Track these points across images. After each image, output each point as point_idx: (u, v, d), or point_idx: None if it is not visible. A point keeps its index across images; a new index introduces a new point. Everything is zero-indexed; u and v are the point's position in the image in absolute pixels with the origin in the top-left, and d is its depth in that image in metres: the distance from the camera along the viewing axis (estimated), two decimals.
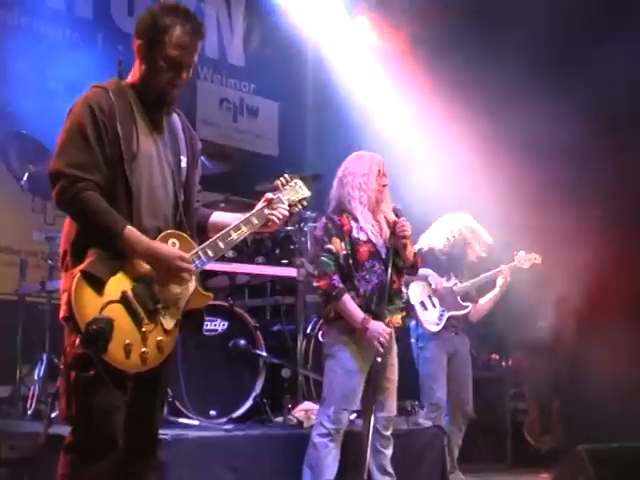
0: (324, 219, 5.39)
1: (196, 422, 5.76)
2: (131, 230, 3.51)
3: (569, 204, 7.86)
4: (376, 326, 5.12)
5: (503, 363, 9.14)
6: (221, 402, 6.02)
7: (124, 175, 3.56)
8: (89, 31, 8.70)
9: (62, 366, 3.63)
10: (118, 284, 3.49)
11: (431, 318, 6.98)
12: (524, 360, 9.29)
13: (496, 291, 7.06)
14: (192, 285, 3.70)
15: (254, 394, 6.12)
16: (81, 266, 3.43)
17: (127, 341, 3.45)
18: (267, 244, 6.72)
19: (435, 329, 6.94)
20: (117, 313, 3.44)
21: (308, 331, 6.65)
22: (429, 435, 6.22)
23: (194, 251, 3.68)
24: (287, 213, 3.94)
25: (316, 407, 6.14)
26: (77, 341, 3.37)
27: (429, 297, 7.03)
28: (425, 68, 9.30)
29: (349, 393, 5.20)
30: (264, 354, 6.15)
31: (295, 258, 6.65)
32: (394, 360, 5.42)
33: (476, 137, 8.29)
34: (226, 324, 6.13)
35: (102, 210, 3.49)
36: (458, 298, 6.97)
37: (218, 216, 4.00)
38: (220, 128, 9.86)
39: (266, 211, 3.89)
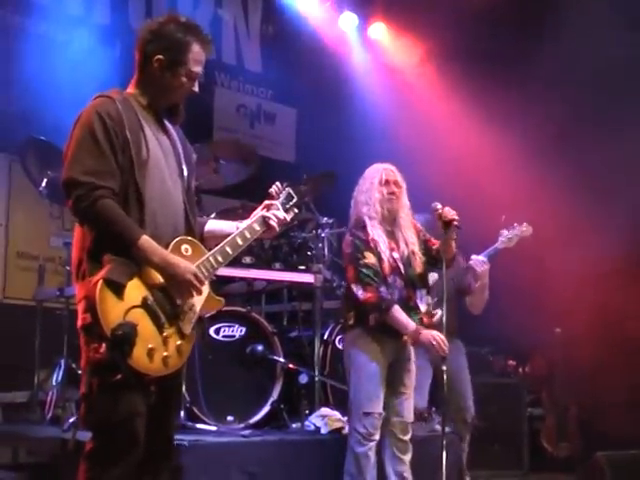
0: (349, 236, 5.41)
1: (213, 428, 5.76)
2: (146, 240, 3.55)
3: None
4: (427, 333, 5.22)
5: (520, 369, 9.11)
6: (238, 408, 6.02)
7: (135, 181, 3.61)
8: (107, 37, 8.72)
9: (83, 373, 3.64)
10: (138, 289, 3.54)
11: None
12: (541, 366, 9.25)
13: (482, 281, 6.67)
14: (206, 290, 3.77)
15: (271, 400, 6.12)
16: (101, 273, 3.45)
17: (150, 345, 3.51)
18: (284, 250, 6.73)
19: None
20: (139, 318, 3.49)
21: (325, 337, 6.64)
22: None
23: (205, 257, 3.76)
24: (284, 218, 4.06)
25: (333, 413, 6.17)
26: (103, 347, 3.40)
27: None
28: (445, 75, 9.37)
29: (373, 397, 5.22)
30: (281, 360, 6.15)
31: (312, 264, 6.66)
32: (412, 367, 5.43)
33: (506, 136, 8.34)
34: (244, 330, 6.14)
35: (118, 219, 3.52)
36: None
37: (213, 224, 4.11)
38: (237, 134, 9.87)
39: (266, 218, 4.01)
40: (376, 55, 10.29)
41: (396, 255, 5.33)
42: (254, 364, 6.12)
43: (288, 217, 4.11)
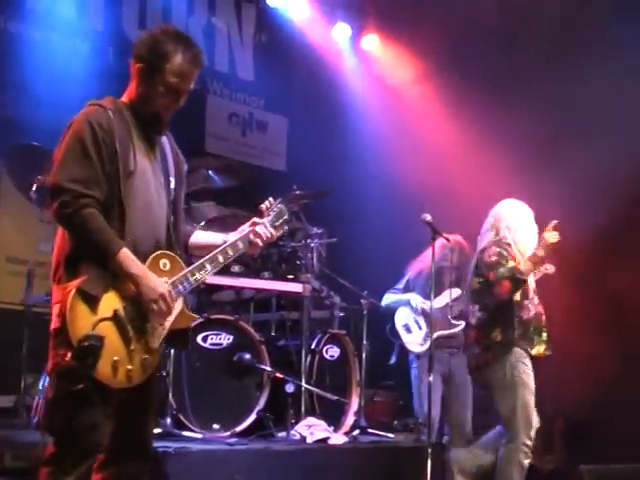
0: (495, 247, 5.97)
1: (199, 435, 5.75)
2: (125, 253, 3.56)
3: None
4: None
5: None
6: (225, 416, 6.01)
7: (119, 191, 3.63)
8: (100, 43, 8.73)
9: (48, 377, 3.71)
10: (111, 302, 3.56)
11: (414, 340, 7.13)
12: None
13: None
14: (179, 306, 3.79)
15: (258, 408, 6.11)
16: (76, 282, 3.48)
17: (115, 358, 3.52)
18: (273, 259, 6.74)
19: (418, 349, 7.10)
20: (108, 330, 3.51)
21: (313, 346, 6.64)
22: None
23: (182, 273, 3.79)
24: (270, 236, 4.11)
25: (319, 422, 6.19)
26: (68, 355, 3.42)
27: (415, 320, 7.11)
28: (439, 90, 9.42)
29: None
30: (268, 369, 6.14)
31: (301, 274, 6.68)
32: None
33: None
34: (231, 338, 6.13)
35: (99, 229, 3.54)
36: (449, 317, 6.99)
37: (200, 235, 4.14)
38: (229, 143, 9.89)
39: (251, 236, 4.05)
40: (369, 66, 10.33)
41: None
42: (241, 372, 6.12)
43: (276, 235, 4.15)
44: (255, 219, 4.11)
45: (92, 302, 3.48)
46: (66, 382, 3.48)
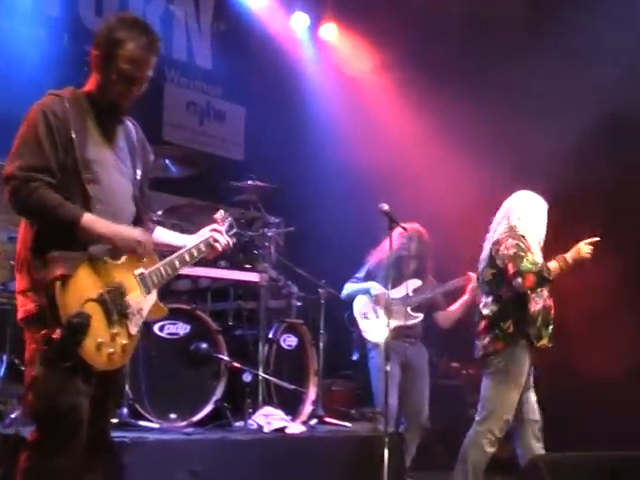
0: (511, 239, 5.89)
1: (156, 425, 5.71)
2: (89, 216, 3.63)
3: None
4: None
5: (463, 371, 9.16)
6: (181, 406, 5.97)
7: (80, 181, 3.68)
8: (55, 29, 8.62)
9: (28, 364, 3.71)
10: (95, 285, 3.63)
11: (372, 329, 7.07)
12: None
13: (465, 297, 7.05)
14: (153, 297, 3.92)
15: (215, 398, 6.09)
16: (56, 272, 3.52)
17: (99, 340, 3.61)
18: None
19: (375, 339, 7.01)
20: (94, 311, 3.59)
21: (270, 336, 6.62)
22: (389, 441, 6.20)
23: (156, 266, 3.93)
24: (227, 244, 4.32)
25: (276, 412, 6.18)
26: (57, 332, 3.47)
27: (374, 309, 7.08)
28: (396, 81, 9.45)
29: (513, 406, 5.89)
30: (226, 358, 6.13)
31: (258, 263, 6.67)
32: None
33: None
34: (188, 327, 6.10)
35: (58, 203, 3.60)
36: (408, 309, 6.98)
37: (161, 233, 4.27)
38: (187, 131, 9.82)
39: (211, 240, 4.24)
40: (327, 56, 10.32)
41: None
42: (198, 362, 6.09)
43: (231, 243, 4.38)
44: (215, 225, 4.29)
45: (76, 282, 3.55)
46: (53, 361, 3.53)
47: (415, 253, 7.13)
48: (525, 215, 6.02)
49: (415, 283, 7.09)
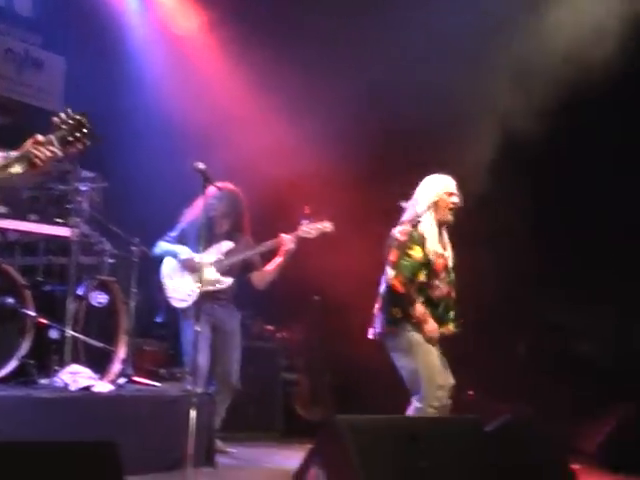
0: (408, 226, 5.89)
1: None
2: None
3: None
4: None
5: (277, 334, 9.22)
6: None
7: None
8: None
9: None
10: None
11: (178, 295, 6.91)
12: (298, 332, 9.41)
13: (279, 260, 7.02)
14: None
15: (20, 354, 5.96)
16: None
17: None
18: (42, 201, 6.53)
19: (181, 305, 6.88)
20: None
21: (80, 293, 6.51)
22: (198, 401, 6.17)
23: None
24: (53, 154, 3.94)
25: (84, 370, 6.08)
26: None
27: (182, 274, 6.96)
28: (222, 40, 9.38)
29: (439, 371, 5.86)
30: (32, 314, 5.97)
31: (70, 218, 6.52)
32: None
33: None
34: None
35: None
36: (217, 273, 6.88)
37: None
38: (4, 80, 9.41)
39: (30, 153, 3.90)
40: (153, 11, 10.09)
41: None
42: (3, 317, 5.96)
43: (63, 152, 3.97)
44: (37, 136, 3.94)
45: None
46: None
47: (225, 213, 7.00)
48: (421, 201, 5.99)
49: (227, 245, 6.97)
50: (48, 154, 3.91)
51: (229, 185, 6.90)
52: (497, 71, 7.71)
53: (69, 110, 4.01)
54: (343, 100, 8.39)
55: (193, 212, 6.94)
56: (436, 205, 5.92)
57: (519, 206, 8.40)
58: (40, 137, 3.92)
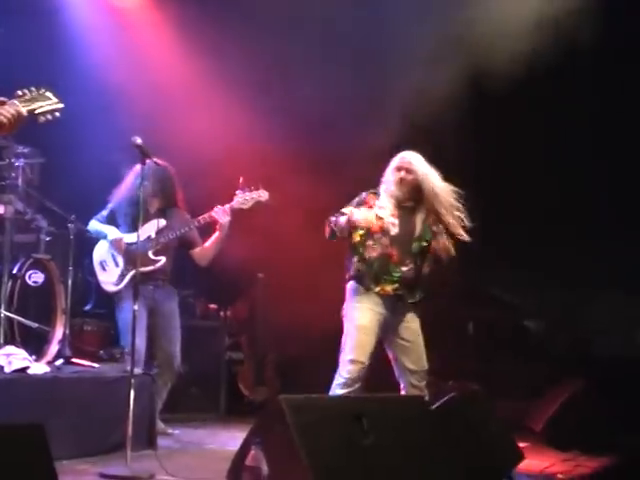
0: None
1: None
2: None
3: None
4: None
5: (222, 313, 9.11)
6: None
7: None
8: None
9: None
10: None
11: (109, 279, 6.81)
12: (242, 311, 9.32)
13: (217, 234, 6.86)
14: None
15: None
16: None
17: None
18: None
19: (113, 289, 6.80)
20: None
21: (15, 272, 6.38)
22: (137, 382, 6.04)
23: None
24: (22, 112, 3.97)
25: (19, 351, 5.93)
26: None
27: (113, 256, 6.83)
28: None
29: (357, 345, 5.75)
30: None
31: (4, 194, 6.38)
32: (409, 324, 5.91)
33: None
34: None
35: None
36: (149, 253, 6.72)
37: None
38: None
39: None
40: None
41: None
42: None
43: (42, 119, 4.04)
44: (2, 98, 3.96)
45: None
46: None
47: (154, 191, 6.79)
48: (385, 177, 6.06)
49: (160, 223, 6.78)
50: (12, 112, 3.92)
51: (157, 161, 6.59)
52: None
53: (34, 88, 4.09)
54: (292, 77, 8.30)
55: (121, 191, 6.78)
56: (387, 180, 6.01)
57: None
58: (2, 98, 3.94)
